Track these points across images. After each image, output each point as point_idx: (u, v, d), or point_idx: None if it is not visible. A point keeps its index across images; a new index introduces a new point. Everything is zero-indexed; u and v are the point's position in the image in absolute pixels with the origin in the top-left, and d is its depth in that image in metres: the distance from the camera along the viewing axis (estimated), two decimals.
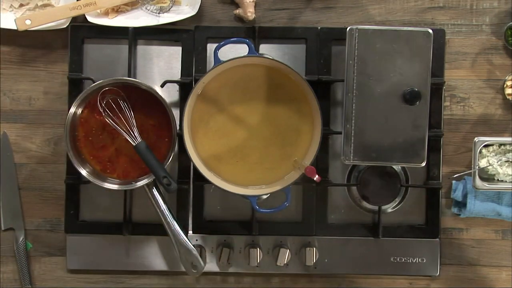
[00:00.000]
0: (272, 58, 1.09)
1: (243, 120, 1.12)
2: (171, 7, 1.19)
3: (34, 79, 1.22)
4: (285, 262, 1.17)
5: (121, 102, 1.11)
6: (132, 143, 1.10)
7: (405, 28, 1.12)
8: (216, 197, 1.20)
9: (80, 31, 1.19)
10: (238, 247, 1.20)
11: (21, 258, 1.21)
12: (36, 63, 1.22)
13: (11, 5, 1.19)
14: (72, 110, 1.11)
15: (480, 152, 1.14)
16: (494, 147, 1.15)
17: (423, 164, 1.11)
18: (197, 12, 1.17)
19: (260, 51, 1.19)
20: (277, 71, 1.09)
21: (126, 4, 1.18)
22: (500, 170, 1.15)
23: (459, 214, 1.20)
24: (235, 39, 1.12)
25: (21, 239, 1.21)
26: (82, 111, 1.13)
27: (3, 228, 1.22)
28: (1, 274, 1.22)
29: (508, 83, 1.18)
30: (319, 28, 1.20)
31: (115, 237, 1.20)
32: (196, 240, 1.20)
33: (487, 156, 1.15)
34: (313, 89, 1.07)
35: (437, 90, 1.18)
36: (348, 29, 1.10)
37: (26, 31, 1.16)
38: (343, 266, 1.20)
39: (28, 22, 1.14)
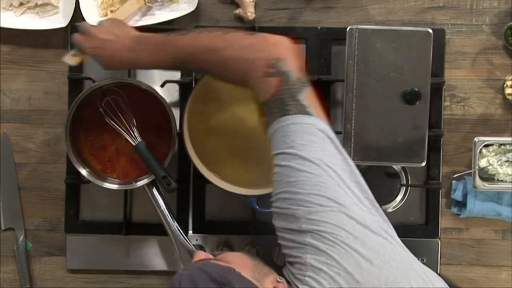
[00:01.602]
0: None
1: (243, 120, 1.12)
2: None
3: (34, 79, 1.22)
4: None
5: (121, 102, 1.11)
6: (132, 143, 1.10)
7: (405, 28, 1.12)
8: (216, 197, 1.20)
9: None
10: (238, 247, 1.20)
11: (21, 258, 1.21)
12: (36, 63, 1.22)
13: (11, 4, 1.19)
14: (72, 110, 1.11)
15: (480, 152, 1.14)
16: (494, 147, 1.15)
17: (423, 164, 1.11)
18: (197, 12, 1.17)
19: None
20: None
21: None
22: (500, 170, 1.15)
23: (459, 214, 1.20)
24: None
25: (21, 239, 1.21)
26: (82, 111, 1.13)
27: (3, 228, 1.22)
28: (1, 274, 1.22)
29: (508, 83, 1.18)
30: (319, 28, 1.19)
31: (115, 237, 1.20)
32: (196, 240, 1.20)
33: (487, 156, 1.15)
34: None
35: (437, 90, 1.18)
36: (348, 29, 1.10)
37: (26, 31, 1.16)
38: None
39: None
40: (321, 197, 0.75)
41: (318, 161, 0.77)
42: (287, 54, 0.83)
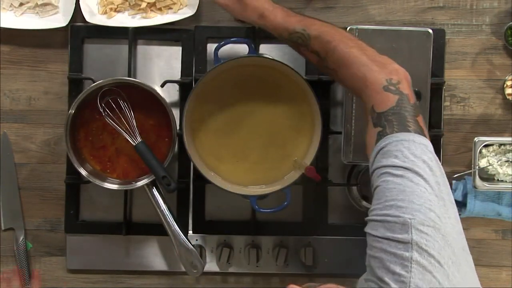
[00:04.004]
0: (272, 58, 1.09)
1: (243, 120, 1.12)
2: None
3: (34, 79, 1.22)
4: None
5: (121, 102, 1.11)
6: (132, 143, 1.10)
7: (405, 28, 1.12)
8: (216, 197, 1.20)
9: (80, 31, 1.19)
10: (238, 247, 1.20)
11: (21, 258, 1.21)
12: (36, 63, 1.22)
13: (11, 4, 1.19)
14: (72, 110, 1.11)
15: (480, 152, 1.14)
16: (494, 147, 1.15)
17: None
18: (197, 12, 1.17)
19: (260, 51, 1.19)
20: (277, 71, 1.09)
21: (123, 4, 1.18)
22: (500, 170, 1.15)
23: (459, 214, 1.20)
24: (235, 39, 1.12)
25: (21, 239, 1.21)
26: (82, 111, 1.13)
27: (3, 228, 1.22)
28: (1, 274, 1.22)
29: (508, 83, 1.18)
30: None
31: (115, 237, 1.20)
32: (196, 240, 1.20)
33: (487, 156, 1.15)
34: (313, 89, 1.07)
35: (437, 90, 1.18)
36: (348, 29, 1.10)
37: (26, 31, 1.16)
38: (343, 266, 1.20)
39: None
40: (432, 213, 0.77)
41: (428, 179, 0.80)
42: (405, 81, 0.89)
